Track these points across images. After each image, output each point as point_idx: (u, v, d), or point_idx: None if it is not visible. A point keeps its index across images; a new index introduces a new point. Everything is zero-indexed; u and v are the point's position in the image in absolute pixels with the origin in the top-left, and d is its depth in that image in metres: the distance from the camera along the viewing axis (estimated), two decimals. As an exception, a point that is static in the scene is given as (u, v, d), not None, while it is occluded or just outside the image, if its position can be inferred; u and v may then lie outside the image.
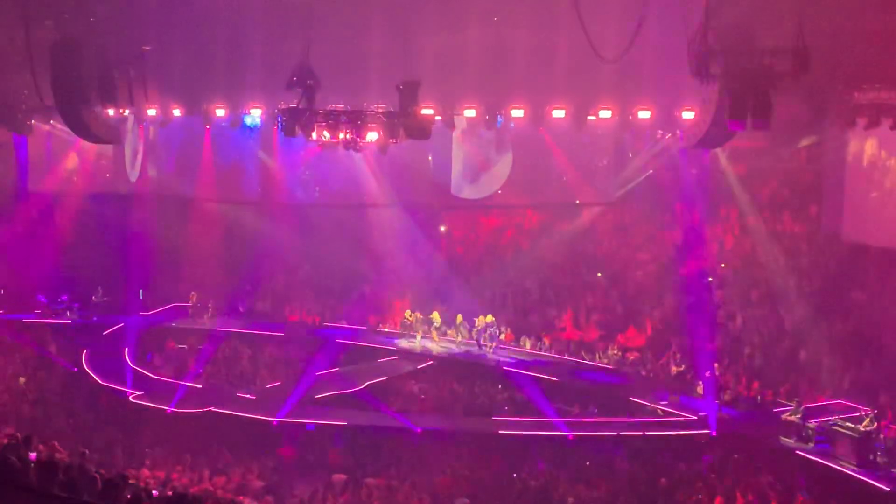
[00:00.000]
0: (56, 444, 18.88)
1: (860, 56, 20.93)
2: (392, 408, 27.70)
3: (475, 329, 31.43)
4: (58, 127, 31.52)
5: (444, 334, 32.05)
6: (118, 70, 23.58)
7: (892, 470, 21.61)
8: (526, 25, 23.24)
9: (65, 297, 33.71)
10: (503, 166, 34.96)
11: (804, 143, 28.54)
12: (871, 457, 21.90)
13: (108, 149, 34.06)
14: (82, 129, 25.72)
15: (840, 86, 22.92)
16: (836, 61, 20.64)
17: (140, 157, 35.88)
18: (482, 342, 31.14)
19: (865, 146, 27.28)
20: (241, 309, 35.05)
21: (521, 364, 30.06)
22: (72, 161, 36.45)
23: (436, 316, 32.17)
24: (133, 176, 36.39)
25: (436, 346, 31.65)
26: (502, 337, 31.51)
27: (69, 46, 22.59)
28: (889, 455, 21.88)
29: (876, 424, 22.24)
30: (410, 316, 32.72)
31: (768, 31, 18.96)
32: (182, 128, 32.88)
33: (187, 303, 34.65)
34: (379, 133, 24.13)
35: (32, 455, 12.96)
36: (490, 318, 31.45)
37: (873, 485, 21.15)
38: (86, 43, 22.69)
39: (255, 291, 35.93)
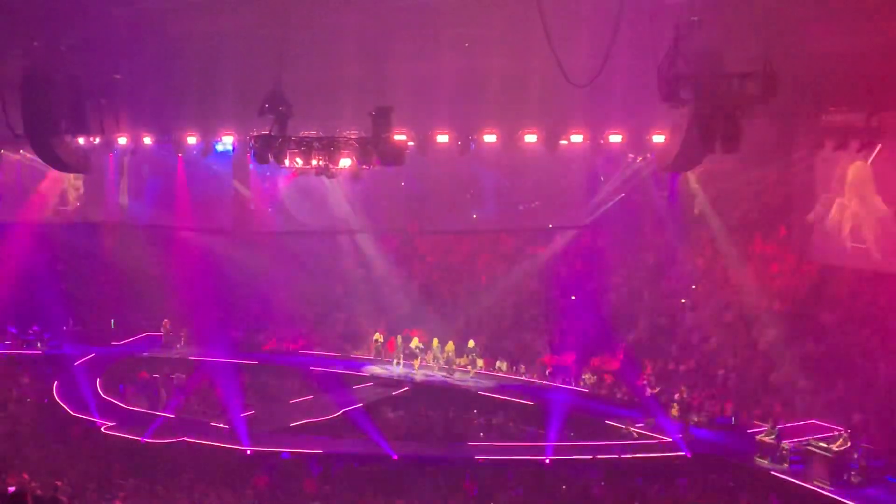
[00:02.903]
0: (26, 476, 18.66)
1: (828, 79, 21.18)
2: (368, 435, 27.60)
3: (449, 354, 31.53)
4: (28, 156, 31.33)
5: (422, 360, 32.01)
6: (89, 99, 23.45)
7: (866, 489, 21.73)
8: (497, 52, 23.35)
9: (35, 328, 33.38)
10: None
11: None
12: (846, 476, 22.03)
13: (77, 178, 33.85)
14: (52, 158, 25.53)
15: (808, 109, 23.17)
16: (803, 85, 20.86)
17: (114, 185, 35.74)
18: (459, 367, 31.24)
19: (834, 168, 27.52)
20: (232, 336, 34.77)
21: (496, 388, 30.07)
22: (42, 190, 36.16)
23: (414, 341, 32.15)
24: (123, 202, 36.27)
25: (413, 371, 31.61)
26: (479, 362, 31.53)
27: (39, 75, 22.45)
28: (863, 474, 21.99)
29: (849, 444, 22.37)
30: (379, 337, 32.71)
31: (737, 55, 19.14)
32: (154, 156, 32.70)
33: (159, 332, 34.44)
34: (352, 159, 24.13)
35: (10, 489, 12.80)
36: (471, 343, 31.56)
37: (848, 504, 21.27)
38: (56, 72, 22.56)
39: (228, 320, 35.75)
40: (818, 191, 28.52)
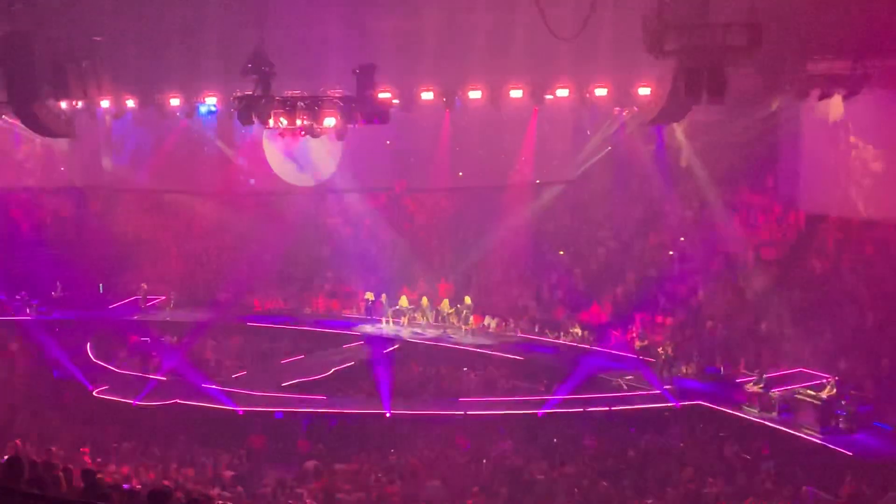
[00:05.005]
0: (19, 442, 18.71)
1: (812, 27, 21.11)
2: (360, 393, 27.73)
3: (443, 312, 31.70)
4: (9, 121, 31.04)
5: (411, 318, 32.12)
6: (70, 62, 23.22)
7: (854, 435, 21.99)
8: (481, 6, 23.22)
9: (23, 294, 33.27)
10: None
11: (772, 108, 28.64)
12: (834, 423, 22.28)
13: (62, 142, 33.56)
14: (35, 123, 25.36)
15: (793, 57, 23.11)
16: (788, 33, 20.81)
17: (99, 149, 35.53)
18: (451, 325, 31.44)
19: (819, 117, 27.50)
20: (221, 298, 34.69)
21: (487, 345, 30.24)
22: (25, 155, 35.91)
23: (403, 300, 32.23)
24: (108, 166, 36.04)
25: (403, 329, 31.73)
26: (470, 319, 31.63)
27: (19, 40, 22.21)
28: (850, 421, 22.24)
29: (837, 391, 22.60)
30: (371, 296, 32.78)
31: (721, 5, 19.10)
32: (138, 119, 32.40)
33: (145, 295, 34.45)
34: (336, 118, 24.04)
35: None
36: (467, 300, 31.62)
37: (836, 450, 21.52)
38: (36, 35, 22.32)
39: (216, 281, 35.73)
40: (804, 140, 28.56)
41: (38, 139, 32.35)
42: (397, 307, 32.22)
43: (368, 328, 32.19)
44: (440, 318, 31.97)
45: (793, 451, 22.37)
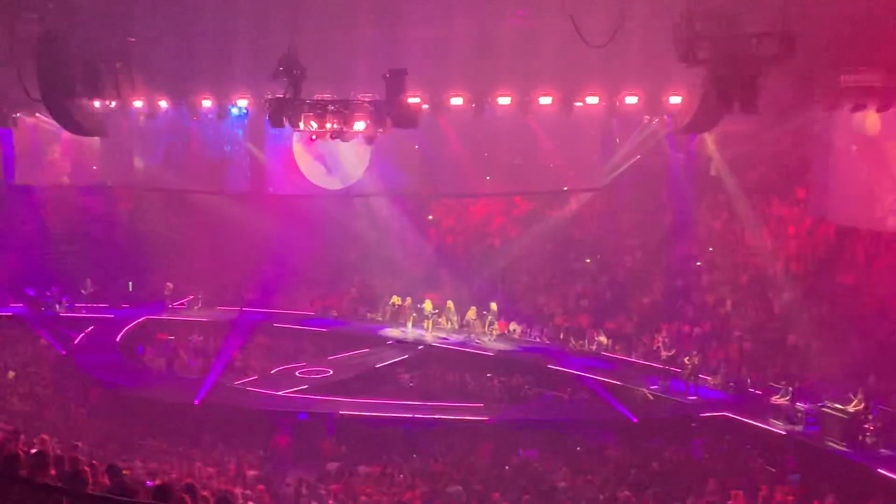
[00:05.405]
0: (46, 437, 18.83)
1: (845, 39, 20.95)
2: (384, 396, 27.75)
3: (469, 318, 31.69)
4: (43, 119, 31.40)
5: (435, 322, 32.14)
6: (104, 62, 23.48)
7: (881, 450, 21.77)
8: (512, 13, 23.24)
9: (54, 290, 33.63)
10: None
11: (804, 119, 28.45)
12: (860, 437, 22.04)
13: (94, 141, 33.90)
14: (68, 121, 25.66)
15: (825, 69, 22.95)
16: (821, 44, 20.65)
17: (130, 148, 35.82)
18: (477, 330, 31.41)
19: (852, 129, 27.27)
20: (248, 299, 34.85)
21: (512, 351, 30.19)
22: (58, 153, 36.27)
23: (428, 304, 32.25)
24: (139, 165, 36.36)
25: (427, 334, 31.75)
26: (495, 325, 31.61)
27: (54, 39, 22.49)
28: (877, 435, 22.02)
29: (864, 405, 22.37)
30: (398, 300, 32.86)
31: (754, 15, 18.99)
32: (170, 119, 32.65)
33: (171, 295, 34.68)
34: (366, 122, 24.12)
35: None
36: (493, 306, 31.56)
37: (863, 465, 21.29)
38: (71, 35, 22.60)
39: (244, 282, 35.91)
40: (836, 152, 28.31)
41: (71, 137, 32.65)
42: (422, 310, 32.25)
43: (393, 332, 32.23)
44: (465, 322, 31.97)
45: (818, 465, 22.17)
